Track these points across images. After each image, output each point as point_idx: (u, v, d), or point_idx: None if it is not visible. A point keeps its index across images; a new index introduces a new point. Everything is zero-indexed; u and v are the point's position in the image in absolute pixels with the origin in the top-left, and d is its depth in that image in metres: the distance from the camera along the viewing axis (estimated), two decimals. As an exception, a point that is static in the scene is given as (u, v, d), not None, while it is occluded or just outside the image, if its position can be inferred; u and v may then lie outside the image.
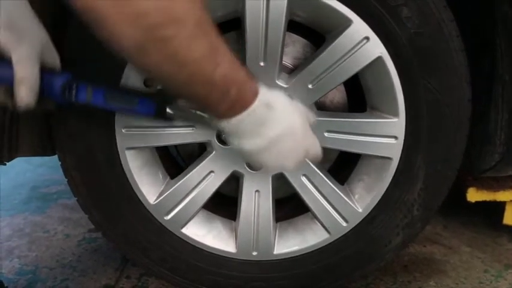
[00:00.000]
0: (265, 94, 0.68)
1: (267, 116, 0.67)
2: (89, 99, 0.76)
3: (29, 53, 0.69)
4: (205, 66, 0.60)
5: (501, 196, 1.34)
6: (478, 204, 1.34)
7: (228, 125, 0.68)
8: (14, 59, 0.67)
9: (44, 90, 0.72)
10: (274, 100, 0.69)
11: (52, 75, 0.74)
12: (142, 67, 0.61)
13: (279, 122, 0.69)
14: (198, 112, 0.76)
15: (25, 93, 0.67)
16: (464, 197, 1.33)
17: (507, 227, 1.42)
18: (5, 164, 1.01)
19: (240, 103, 0.66)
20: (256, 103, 0.67)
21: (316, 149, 0.77)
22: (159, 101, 0.78)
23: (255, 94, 0.67)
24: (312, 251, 1.12)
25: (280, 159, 0.72)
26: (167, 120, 0.81)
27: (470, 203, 1.33)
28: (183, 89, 0.65)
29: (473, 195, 1.33)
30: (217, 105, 0.66)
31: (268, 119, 0.67)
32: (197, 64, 0.60)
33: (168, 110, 0.79)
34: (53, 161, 1.08)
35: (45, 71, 0.73)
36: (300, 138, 0.72)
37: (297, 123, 0.72)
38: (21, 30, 0.69)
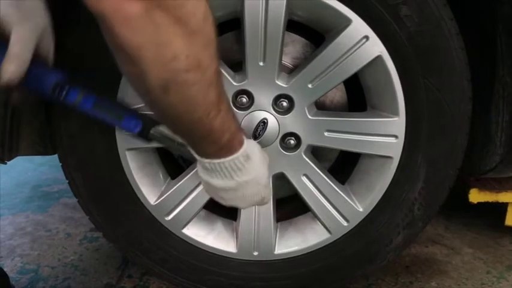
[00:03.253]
0: (248, 146, 0.76)
1: (244, 165, 0.75)
2: (77, 103, 0.77)
3: (28, 33, 0.69)
4: (211, 112, 0.66)
5: (503, 197, 1.33)
6: (480, 205, 1.33)
7: (209, 164, 0.74)
8: (13, 37, 0.67)
9: (34, 82, 0.72)
10: (253, 152, 0.77)
11: (47, 71, 0.74)
12: (158, 104, 0.64)
13: (251, 172, 0.76)
14: (180, 141, 0.81)
15: (13, 69, 0.67)
16: (467, 198, 1.32)
17: (509, 228, 1.41)
18: (6, 163, 1.02)
19: (227, 149, 0.73)
20: (240, 152, 0.74)
21: (269, 198, 0.87)
22: (146, 121, 0.82)
23: (241, 144, 0.74)
24: (313, 251, 1.11)
25: (240, 200, 0.80)
26: (148, 140, 0.84)
27: (472, 204, 1.32)
28: (185, 128, 0.70)
29: (476, 196, 1.32)
30: (207, 147, 0.72)
31: (244, 167, 0.75)
32: (206, 109, 0.65)
33: (151, 131, 0.82)
34: (54, 160, 1.09)
35: (41, 64, 0.73)
36: (261, 187, 0.80)
37: (264, 175, 0.80)
38: (27, 10, 0.69)
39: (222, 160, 0.73)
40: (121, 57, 0.58)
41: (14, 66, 0.66)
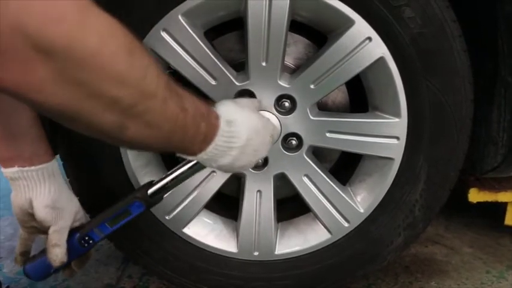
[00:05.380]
0: (223, 113, 0.75)
1: (232, 130, 0.74)
2: (101, 235, 0.90)
3: (64, 225, 0.87)
4: (178, 119, 0.64)
5: (503, 197, 1.33)
6: (480, 205, 1.33)
7: (206, 155, 0.73)
8: (51, 230, 0.86)
9: (71, 254, 0.89)
10: (230, 113, 0.76)
11: (70, 240, 0.89)
12: (123, 141, 0.63)
13: (243, 129, 0.75)
14: (178, 173, 0.87)
15: (59, 253, 0.86)
16: (466, 197, 1.33)
17: (509, 227, 1.42)
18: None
19: (210, 132, 0.72)
20: (221, 125, 0.73)
21: (277, 129, 0.90)
22: (141, 196, 0.88)
23: (217, 118, 0.74)
24: (314, 251, 1.12)
25: (255, 155, 0.79)
26: (158, 202, 0.91)
27: (472, 204, 1.33)
28: (162, 143, 0.68)
29: (475, 196, 1.32)
30: (192, 144, 0.71)
31: (233, 131, 0.74)
32: (172, 120, 0.64)
33: (152, 190, 0.89)
34: (55, 161, 1.08)
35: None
36: (262, 130, 0.80)
37: (255, 121, 0.79)
38: (61, 209, 0.87)
39: (213, 144, 0.72)
40: (59, 119, 0.56)
41: (60, 250, 0.86)
